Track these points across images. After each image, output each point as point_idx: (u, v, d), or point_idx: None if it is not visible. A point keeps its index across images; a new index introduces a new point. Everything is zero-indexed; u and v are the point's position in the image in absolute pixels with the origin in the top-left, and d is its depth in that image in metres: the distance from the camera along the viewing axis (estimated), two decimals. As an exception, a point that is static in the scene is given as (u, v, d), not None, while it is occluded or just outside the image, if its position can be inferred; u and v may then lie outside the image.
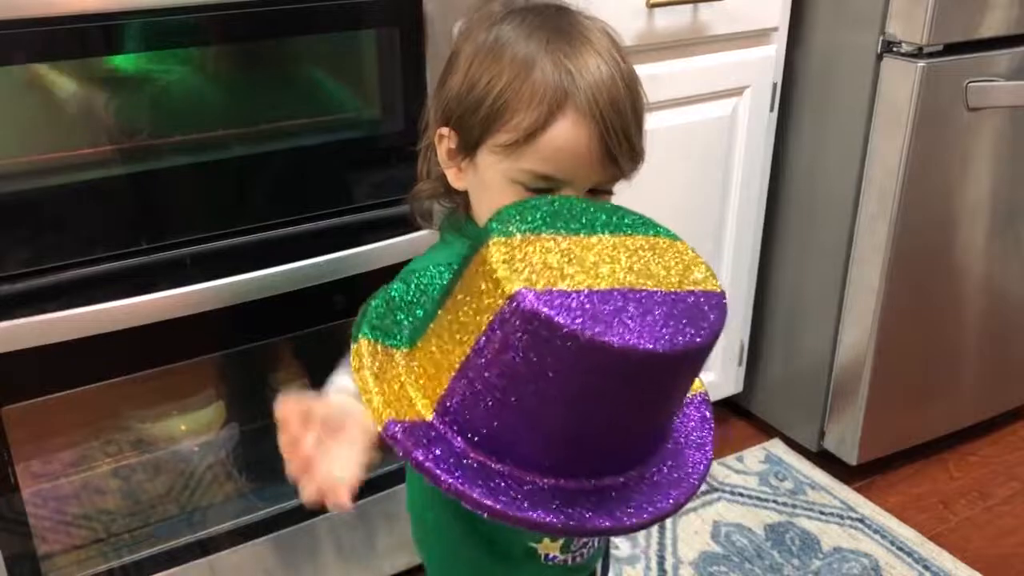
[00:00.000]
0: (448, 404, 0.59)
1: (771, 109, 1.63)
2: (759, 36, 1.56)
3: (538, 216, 0.63)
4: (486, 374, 0.58)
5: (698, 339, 0.58)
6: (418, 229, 1.18)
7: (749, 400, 1.92)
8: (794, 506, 1.69)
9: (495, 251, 0.58)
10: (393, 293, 0.70)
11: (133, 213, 1.07)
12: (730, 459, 1.81)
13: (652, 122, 1.57)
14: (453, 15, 1.16)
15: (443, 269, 0.74)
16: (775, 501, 1.70)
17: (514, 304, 0.55)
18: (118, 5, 0.98)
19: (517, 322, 0.55)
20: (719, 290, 0.65)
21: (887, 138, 1.52)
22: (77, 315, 1.00)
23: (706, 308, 0.61)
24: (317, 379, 1.44)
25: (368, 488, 1.35)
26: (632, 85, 0.78)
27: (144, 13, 0.99)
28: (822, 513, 1.67)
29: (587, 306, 0.56)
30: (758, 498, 1.71)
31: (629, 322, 0.56)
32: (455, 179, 0.83)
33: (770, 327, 1.83)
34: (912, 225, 1.56)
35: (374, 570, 1.41)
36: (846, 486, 1.74)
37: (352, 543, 1.37)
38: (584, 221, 0.64)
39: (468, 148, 0.80)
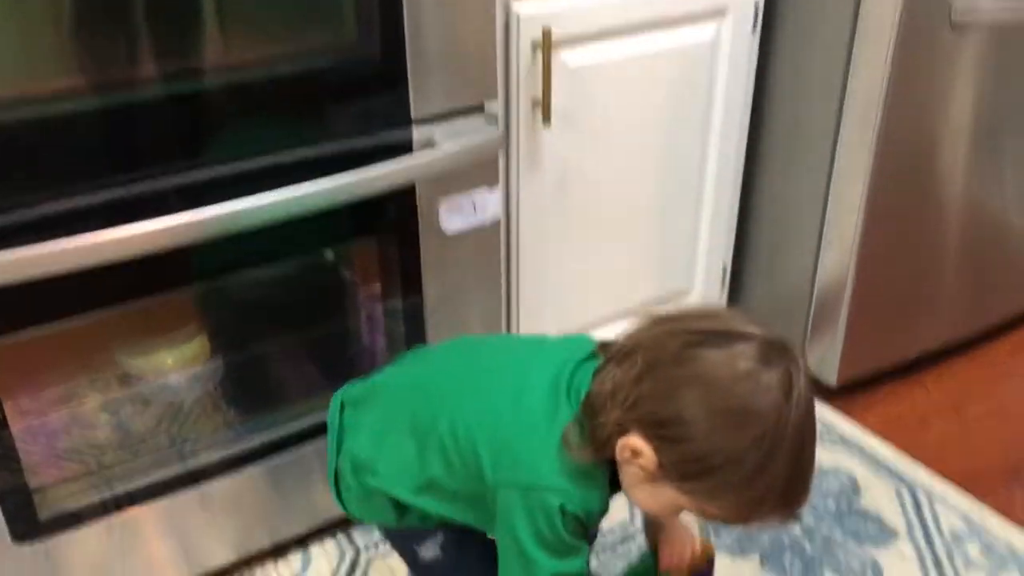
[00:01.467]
0: None
1: (753, 30, 1.61)
2: (741, -45, 1.54)
3: None
4: None
5: None
6: (399, 155, 1.17)
7: (731, 324, 1.94)
8: (775, 426, 1.72)
9: None
10: None
11: (113, 145, 1.05)
12: (713, 382, 1.83)
13: (632, 47, 1.56)
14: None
15: None
16: (757, 422, 1.73)
17: None
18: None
19: None
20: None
21: (869, 56, 1.51)
22: (59, 248, 0.99)
23: None
24: (299, 310, 1.44)
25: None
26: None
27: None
28: (803, 432, 1.70)
29: None
30: (740, 419, 1.73)
31: None
32: (624, 460, 0.84)
33: (752, 250, 1.84)
34: (894, 144, 1.56)
35: (364, 496, 1.44)
36: (826, 405, 1.77)
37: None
38: None
39: (663, 481, 0.82)
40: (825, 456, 1.65)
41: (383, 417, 0.99)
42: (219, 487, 1.29)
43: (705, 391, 0.78)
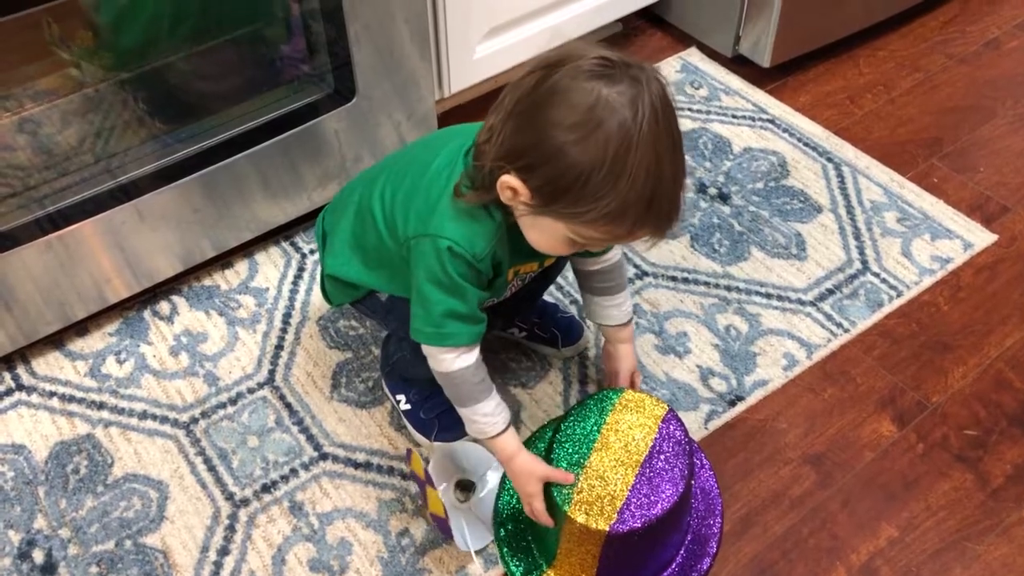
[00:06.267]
0: None
1: None
2: None
3: (566, 462, 1.03)
4: (612, 566, 1.05)
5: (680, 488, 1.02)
6: None
7: (665, 9, 1.89)
8: (708, 112, 1.73)
9: (578, 515, 0.99)
10: (502, 534, 1.13)
11: None
12: (647, 71, 1.81)
13: None
14: None
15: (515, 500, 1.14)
16: (690, 109, 1.74)
17: (610, 535, 0.99)
18: None
19: (615, 540, 1.00)
20: (661, 417, 1.06)
21: None
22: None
23: (669, 461, 1.03)
24: (212, 14, 1.36)
25: (285, 124, 1.34)
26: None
27: None
28: (734, 117, 1.72)
29: (633, 507, 0.99)
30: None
31: (656, 501, 1.00)
32: (507, 200, 0.90)
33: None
34: None
35: (303, 201, 1.45)
36: (759, 89, 1.78)
37: (277, 176, 1.38)
38: (582, 436, 1.05)
39: (539, 211, 0.88)
40: (755, 138, 1.68)
41: (341, 210, 1.10)
42: (155, 201, 1.28)
43: (553, 112, 0.83)
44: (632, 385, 1.19)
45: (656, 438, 1.04)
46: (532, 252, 0.99)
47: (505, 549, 1.11)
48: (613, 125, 0.81)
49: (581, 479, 1.01)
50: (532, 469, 1.02)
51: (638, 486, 1.01)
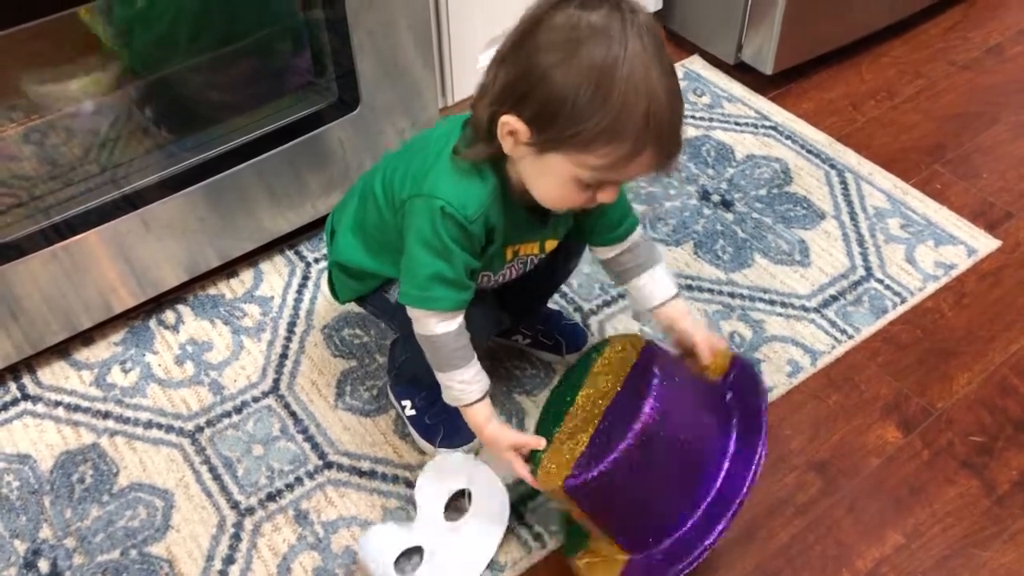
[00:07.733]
0: None
1: None
2: None
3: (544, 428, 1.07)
4: (610, 521, 1.02)
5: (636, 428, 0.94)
6: None
7: (668, 17, 1.89)
8: (711, 120, 1.74)
9: (542, 475, 1.01)
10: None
11: None
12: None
13: None
14: None
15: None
16: (693, 116, 1.74)
17: (567, 489, 0.97)
18: None
19: (578, 492, 0.97)
20: (633, 363, 1.03)
21: None
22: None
23: (631, 400, 0.97)
24: (218, 26, 1.35)
25: (289, 133, 1.35)
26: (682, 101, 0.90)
27: None
28: (737, 124, 1.73)
29: (587, 457, 0.97)
30: (677, 114, 1.74)
31: (610, 444, 0.96)
32: (509, 149, 0.91)
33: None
34: None
35: (307, 210, 1.45)
36: (761, 96, 1.78)
37: (282, 185, 1.38)
38: (561, 400, 1.08)
39: (540, 147, 0.88)
40: (758, 145, 1.68)
41: (345, 204, 1.15)
42: (160, 210, 1.29)
43: (536, 39, 0.86)
44: (716, 350, 1.08)
45: (621, 388, 1.02)
46: (531, 227, 1.01)
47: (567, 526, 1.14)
48: (595, 44, 0.83)
49: (556, 440, 1.03)
50: (502, 437, 1.05)
51: (596, 436, 0.99)
